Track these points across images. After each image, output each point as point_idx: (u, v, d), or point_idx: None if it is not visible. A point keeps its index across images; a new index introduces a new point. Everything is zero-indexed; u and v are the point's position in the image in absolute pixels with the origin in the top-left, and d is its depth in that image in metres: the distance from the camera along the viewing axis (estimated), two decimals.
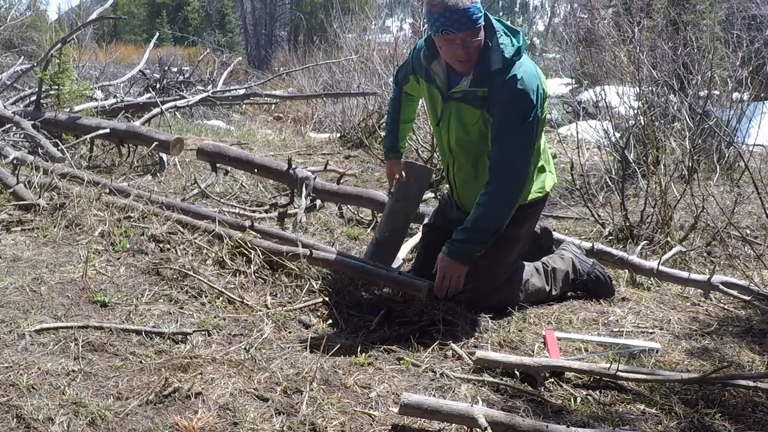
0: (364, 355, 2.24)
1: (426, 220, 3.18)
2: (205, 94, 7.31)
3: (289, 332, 2.40)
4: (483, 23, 2.49)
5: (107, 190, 3.52)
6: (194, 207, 3.43)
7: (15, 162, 3.96)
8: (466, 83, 2.56)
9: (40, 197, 3.38)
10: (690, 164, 4.35)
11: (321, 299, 2.66)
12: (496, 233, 2.58)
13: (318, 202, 4.04)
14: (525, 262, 2.84)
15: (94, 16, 6.53)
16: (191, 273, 2.68)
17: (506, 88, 2.48)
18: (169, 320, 2.36)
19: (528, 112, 2.48)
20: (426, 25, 2.78)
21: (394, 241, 2.97)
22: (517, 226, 2.72)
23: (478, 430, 1.76)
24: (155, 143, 4.58)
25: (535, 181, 2.72)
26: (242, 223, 3.12)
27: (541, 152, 2.73)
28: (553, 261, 2.91)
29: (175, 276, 2.69)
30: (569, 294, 2.94)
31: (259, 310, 2.52)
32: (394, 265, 3.05)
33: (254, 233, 3.02)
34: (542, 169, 2.75)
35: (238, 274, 2.78)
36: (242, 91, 7.91)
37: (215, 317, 2.43)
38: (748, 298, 2.87)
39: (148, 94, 7.54)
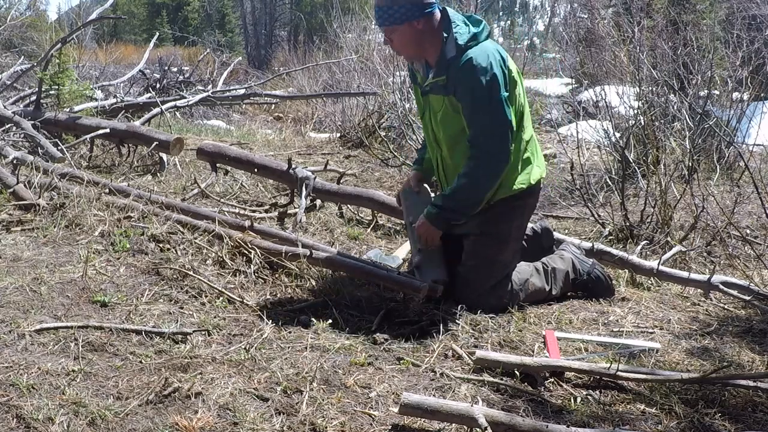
0: (364, 355, 2.24)
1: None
2: (205, 94, 7.30)
3: (289, 332, 2.40)
4: (402, 24, 2.56)
5: (107, 190, 3.52)
6: (194, 207, 3.43)
7: (15, 162, 3.96)
8: (431, 75, 2.66)
9: (40, 197, 3.38)
10: (690, 164, 4.34)
11: (321, 299, 2.66)
12: (473, 206, 2.66)
13: (318, 202, 4.03)
14: (525, 262, 2.84)
15: (94, 16, 6.51)
16: (191, 273, 2.68)
17: (460, 70, 2.55)
18: (169, 320, 2.36)
19: (490, 88, 2.53)
20: None
21: (431, 253, 2.77)
22: (506, 222, 2.72)
23: (478, 430, 1.76)
24: (155, 143, 4.58)
25: (520, 172, 2.69)
26: (242, 223, 3.12)
27: (527, 144, 2.70)
28: (553, 261, 2.90)
29: (175, 276, 2.69)
30: (569, 294, 2.94)
31: (259, 310, 2.52)
32: (394, 264, 3.05)
33: (254, 233, 3.01)
34: (528, 162, 2.71)
35: (238, 274, 2.78)
36: (242, 91, 7.89)
37: (215, 317, 2.43)
38: (748, 298, 2.87)
39: (148, 94, 7.52)
